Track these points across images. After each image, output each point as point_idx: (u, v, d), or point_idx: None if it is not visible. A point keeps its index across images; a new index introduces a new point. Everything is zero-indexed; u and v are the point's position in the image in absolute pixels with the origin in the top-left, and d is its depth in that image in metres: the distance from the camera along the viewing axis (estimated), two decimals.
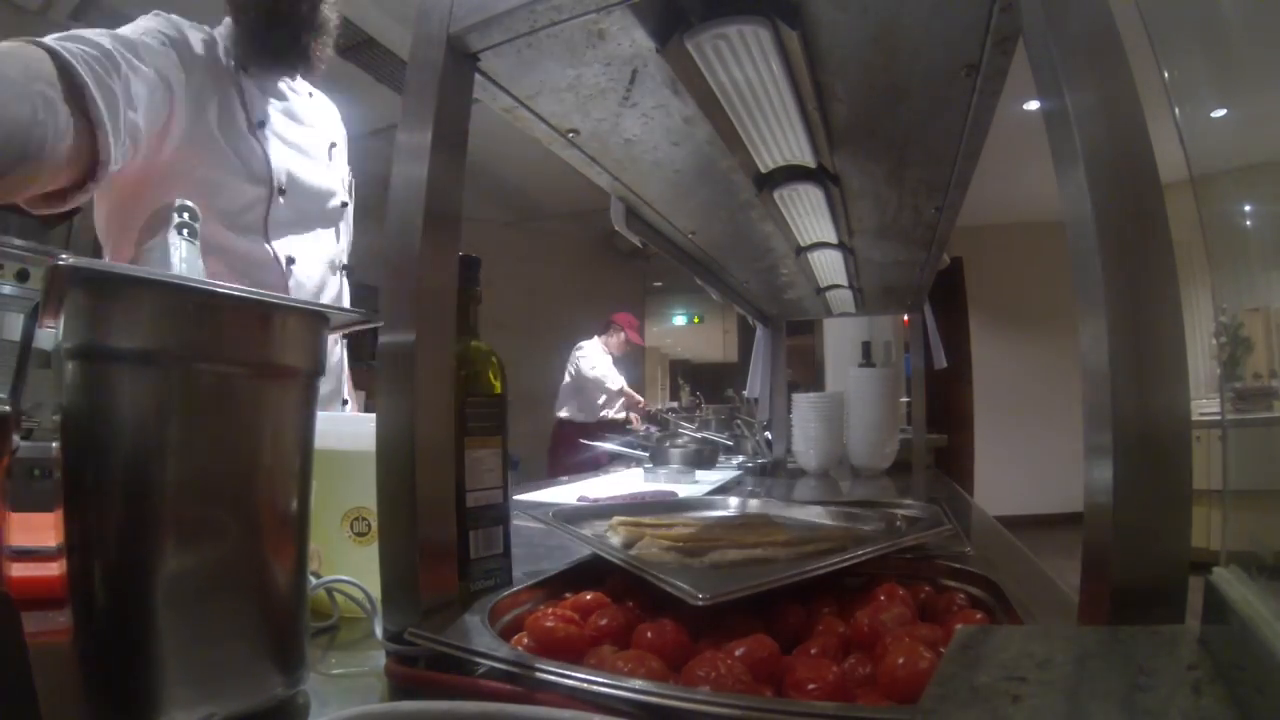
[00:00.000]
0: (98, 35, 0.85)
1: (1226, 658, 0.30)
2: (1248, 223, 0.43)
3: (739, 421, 2.26)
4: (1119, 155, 0.40)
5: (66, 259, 0.36)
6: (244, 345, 0.41)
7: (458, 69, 0.60)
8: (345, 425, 0.60)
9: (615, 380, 4.36)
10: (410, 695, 0.45)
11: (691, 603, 0.48)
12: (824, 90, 0.73)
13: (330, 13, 1.11)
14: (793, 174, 0.95)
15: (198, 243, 0.62)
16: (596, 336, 4.49)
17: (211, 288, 0.40)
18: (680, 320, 7.54)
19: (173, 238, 0.60)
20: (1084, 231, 0.40)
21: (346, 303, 1.30)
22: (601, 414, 4.29)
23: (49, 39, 0.79)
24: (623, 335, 4.44)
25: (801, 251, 1.33)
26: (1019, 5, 0.49)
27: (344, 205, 1.25)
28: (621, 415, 4.34)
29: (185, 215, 0.59)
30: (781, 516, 0.83)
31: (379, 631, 0.52)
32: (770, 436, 2.22)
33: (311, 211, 1.17)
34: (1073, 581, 0.47)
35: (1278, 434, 0.40)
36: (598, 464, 2.46)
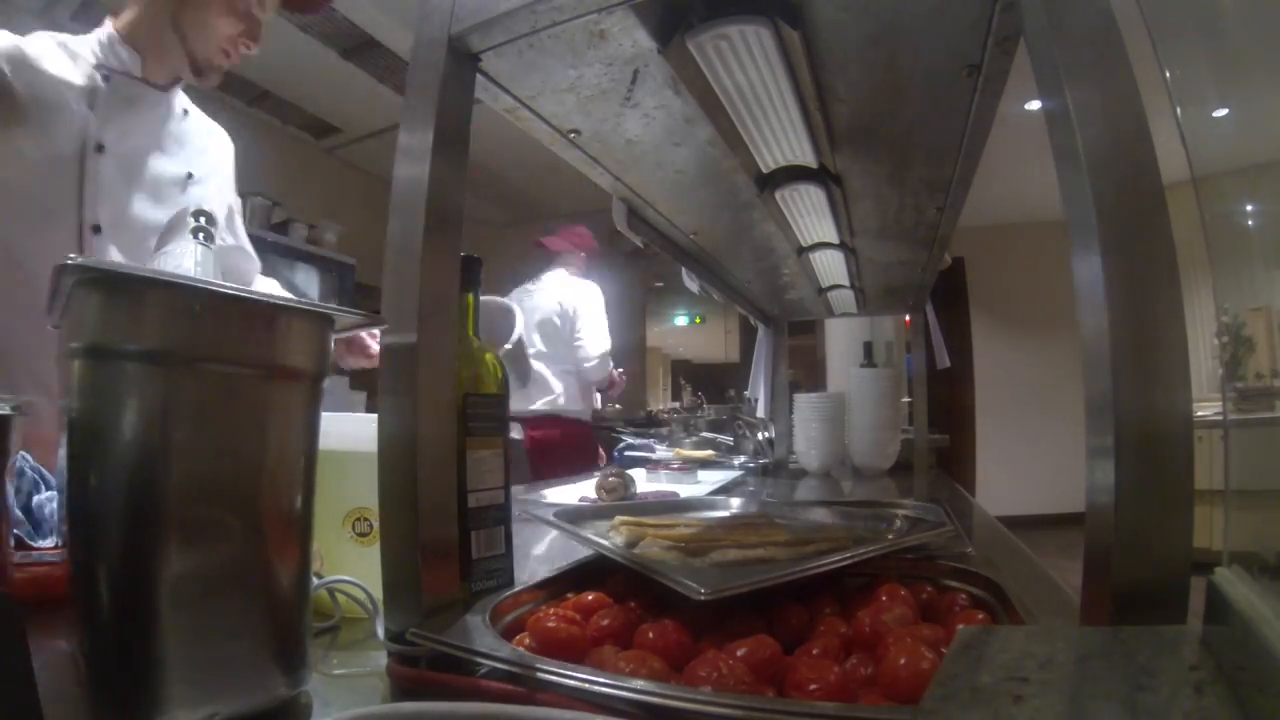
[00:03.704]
0: None
1: (1228, 658, 0.30)
2: (1249, 222, 0.43)
3: (740, 422, 2.26)
4: (1120, 155, 0.40)
5: (74, 258, 0.36)
6: (250, 346, 0.41)
7: (459, 70, 0.60)
8: (347, 426, 0.60)
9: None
10: (412, 696, 0.45)
11: (693, 598, 0.48)
12: (825, 90, 0.73)
13: None
14: (794, 174, 0.95)
15: (214, 246, 0.63)
16: (543, 274, 2.94)
17: (218, 289, 0.40)
18: (682, 320, 7.54)
19: (189, 243, 0.61)
20: (1085, 231, 0.40)
21: None
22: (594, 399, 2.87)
23: None
24: (579, 254, 3.04)
25: (803, 252, 1.33)
26: (1020, 5, 0.49)
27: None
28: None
29: (202, 220, 0.60)
30: (783, 517, 0.83)
31: (381, 632, 0.52)
32: (772, 436, 2.22)
33: None
34: (1074, 582, 0.47)
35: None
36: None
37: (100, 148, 1.02)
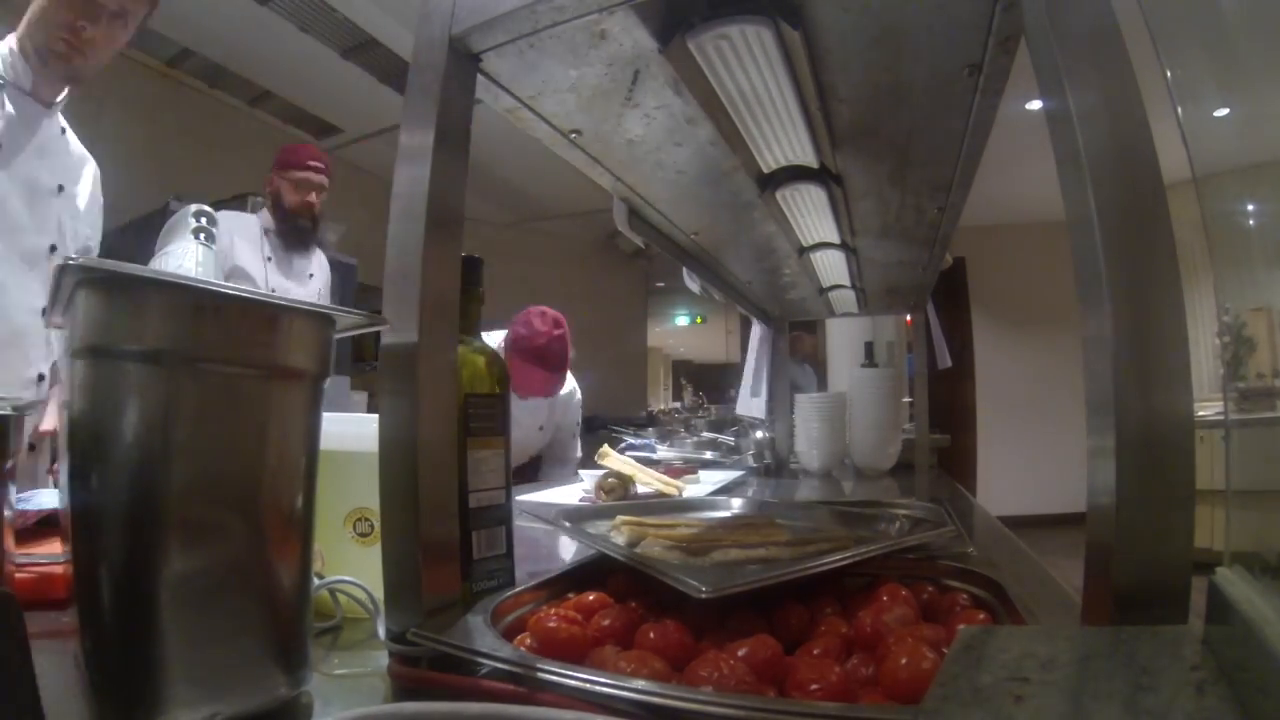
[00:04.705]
0: None
1: (1230, 658, 0.30)
2: (1250, 222, 0.43)
3: (741, 421, 2.26)
4: (1121, 155, 0.40)
5: (74, 259, 0.37)
6: (251, 347, 0.41)
7: (460, 70, 0.60)
8: (348, 426, 0.60)
9: None
10: (413, 696, 0.45)
11: (695, 596, 0.48)
12: (826, 90, 0.73)
13: None
14: (795, 174, 0.94)
15: (214, 247, 0.63)
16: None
17: (219, 289, 0.40)
18: (683, 320, 7.54)
19: (190, 243, 0.61)
20: (1086, 231, 0.40)
21: None
22: None
23: None
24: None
25: (804, 252, 1.32)
26: (1021, 5, 0.48)
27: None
28: None
29: (203, 220, 0.60)
30: (784, 517, 0.83)
31: (382, 632, 0.52)
32: (773, 436, 2.22)
33: None
34: (1076, 582, 0.47)
35: None
36: None
37: None
